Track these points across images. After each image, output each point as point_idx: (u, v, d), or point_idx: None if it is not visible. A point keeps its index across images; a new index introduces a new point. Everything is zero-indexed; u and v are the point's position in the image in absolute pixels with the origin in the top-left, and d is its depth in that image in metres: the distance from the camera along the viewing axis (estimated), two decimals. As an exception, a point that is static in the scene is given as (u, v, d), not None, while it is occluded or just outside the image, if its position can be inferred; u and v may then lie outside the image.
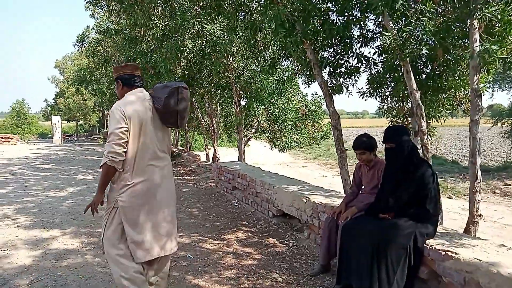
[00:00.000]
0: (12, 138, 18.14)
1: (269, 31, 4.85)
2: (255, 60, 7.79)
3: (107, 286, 3.06)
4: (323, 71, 4.98)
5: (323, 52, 5.30)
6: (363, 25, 4.96)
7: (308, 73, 5.26)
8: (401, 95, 4.88)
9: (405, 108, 5.20)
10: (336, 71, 5.20)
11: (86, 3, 9.28)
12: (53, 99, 36.76)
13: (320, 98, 11.79)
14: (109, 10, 10.73)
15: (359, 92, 4.91)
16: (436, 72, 4.65)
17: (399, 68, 4.67)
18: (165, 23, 7.64)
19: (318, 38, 4.94)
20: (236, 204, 6.02)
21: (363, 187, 3.50)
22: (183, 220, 5.08)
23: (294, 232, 4.50)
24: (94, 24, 12.56)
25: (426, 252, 2.61)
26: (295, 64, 5.44)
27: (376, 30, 5.00)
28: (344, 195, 4.00)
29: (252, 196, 5.56)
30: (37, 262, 3.49)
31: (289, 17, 4.21)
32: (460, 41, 4.31)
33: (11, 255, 3.65)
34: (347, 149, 5.16)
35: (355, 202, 3.33)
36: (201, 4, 7.60)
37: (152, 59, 8.10)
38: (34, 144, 17.86)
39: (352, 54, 5.05)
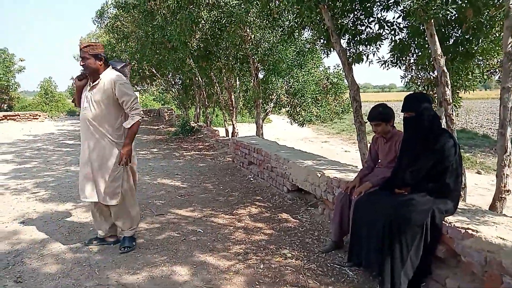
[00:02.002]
0: (40, 115, 18.72)
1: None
2: (272, 30, 7.46)
3: (115, 259, 3.05)
4: (341, 39, 4.67)
5: (342, 20, 4.97)
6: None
7: (326, 42, 4.95)
8: (426, 63, 4.52)
9: (431, 77, 4.85)
10: (356, 39, 4.88)
11: (101, -24, 9.08)
12: (79, 77, 37.30)
13: (343, 71, 11.31)
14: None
15: (380, 61, 4.57)
16: (466, 37, 4.24)
17: (424, 33, 4.30)
18: (180, -6, 7.41)
19: (337, 3, 4.61)
20: (251, 179, 5.93)
21: (379, 161, 3.29)
22: (197, 195, 5.04)
23: (308, 207, 4.37)
24: (112, -1, 12.44)
25: (445, 230, 2.41)
26: (312, 32, 5.13)
27: (400, -9, 4.60)
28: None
29: (267, 171, 5.43)
30: (50, 236, 3.54)
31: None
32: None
33: (25, 229, 3.72)
34: (366, 122, 4.89)
35: (370, 177, 3.14)
36: (216, -28, 7.31)
37: (167, 32, 7.93)
38: (61, 121, 18.32)
39: (373, 19, 4.70)
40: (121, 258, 3.06)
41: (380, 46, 4.90)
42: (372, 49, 4.80)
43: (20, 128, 15.10)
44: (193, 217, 4.11)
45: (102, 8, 13.52)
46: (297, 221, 3.97)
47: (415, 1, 3.11)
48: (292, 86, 10.03)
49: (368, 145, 4.57)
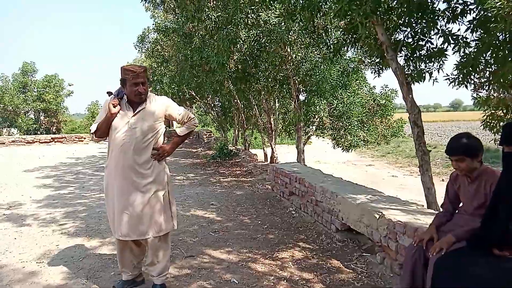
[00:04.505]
0: (85, 138, 19.31)
1: (331, 7, 4.02)
2: (316, 48, 6.95)
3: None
4: (398, 55, 4.05)
5: (397, 34, 4.37)
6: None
7: (379, 59, 4.35)
8: (507, 82, 3.76)
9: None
10: (415, 55, 4.24)
11: (142, 1, 9.16)
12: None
13: (390, 91, 10.54)
14: (165, 8, 10.64)
15: (449, 78, 3.88)
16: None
17: (500, 46, 3.60)
18: (217, 14, 7.15)
19: (391, 16, 4.03)
20: (293, 212, 5.31)
21: (461, 204, 2.58)
22: (233, 231, 4.50)
23: (363, 253, 3.69)
24: (153, 24, 12.67)
25: None
26: (363, 47, 4.55)
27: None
28: (432, 212, 3.10)
29: (312, 204, 4.81)
30: (67, 281, 3.13)
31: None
32: None
33: (43, 271, 3.35)
34: (430, 150, 4.18)
35: (451, 226, 2.45)
36: (255, -10, 6.99)
37: (204, 54, 7.68)
38: (105, 142, 18.73)
39: (436, 32, 4.05)
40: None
41: (443, 62, 4.24)
42: (436, 66, 4.13)
43: (65, 150, 15.55)
44: (228, 261, 3.56)
45: (143, 33, 13.78)
46: (351, 271, 3.31)
47: (505, 3, 2.46)
48: (336, 108, 9.38)
49: (435, 178, 3.87)
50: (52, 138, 19.06)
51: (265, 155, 12.65)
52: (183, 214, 5.31)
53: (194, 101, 17.70)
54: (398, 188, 14.25)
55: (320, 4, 4.12)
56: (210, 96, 15.80)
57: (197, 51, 8.31)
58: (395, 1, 3.72)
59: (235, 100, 12.10)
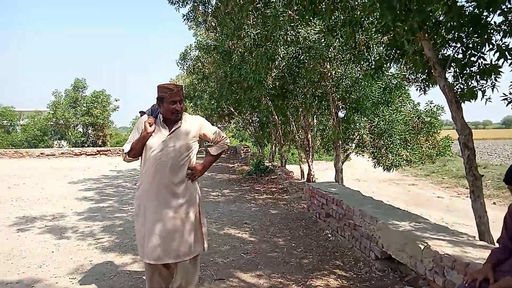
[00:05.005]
0: (128, 151, 20.07)
1: (373, 22, 3.84)
2: (357, 65, 6.74)
3: None
4: (446, 71, 3.77)
5: (445, 50, 4.08)
6: (506, 8, 3.62)
7: (425, 75, 4.08)
8: None
9: None
10: (465, 71, 3.92)
11: (184, 20, 9.43)
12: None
13: (436, 108, 9.98)
14: (206, 27, 10.90)
15: (506, 98, 3.53)
16: None
17: None
18: (256, 32, 7.17)
19: (439, 31, 3.77)
20: (329, 235, 5.06)
21: (522, 241, 2.27)
22: (265, 253, 4.33)
23: (405, 285, 3.38)
24: (195, 42, 13.04)
25: None
26: (408, 63, 4.29)
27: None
28: (484, 245, 2.78)
29: (349, 228, 4.54)
30: (96, 298, 3.12)
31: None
32: None
33: (73, 287, 3.37)
34: (482, 175, 3.80)
35: (510, 266, 2.14)
36: (294, 8, 6.95)
37: (243, 72, 7.70)
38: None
39: (490, 47, 3.73)
40: None
41: (496, 79, 3.88)
42: (489, 83, 3.78)
43: (108, 163, 16.19)
44: (258, 286, 3.40)
45: (185, 50, 14.20)
46: (392, 306, 3.02)
47: None
48: (378, 126, 9.00)
49: (486, 202, 3.49)
50: (97, 151, 20.00)
51: (302, 172, 12.39)
52: (216, 232, 5.22)
53: (232, 116, 17.88)
54: (444, 210, 13.37)
55: (362, 19, 3.95)
56: (248, 111, 15.91)
57: (236, 68, 8.37)
58: (444, 15, 3.47)
59: (273, 116, 12.03)
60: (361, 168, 22.10)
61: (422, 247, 3.05)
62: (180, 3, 8.67)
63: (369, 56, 5.20)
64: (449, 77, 3.90)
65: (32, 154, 19.22)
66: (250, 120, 17.47)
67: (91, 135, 26.73)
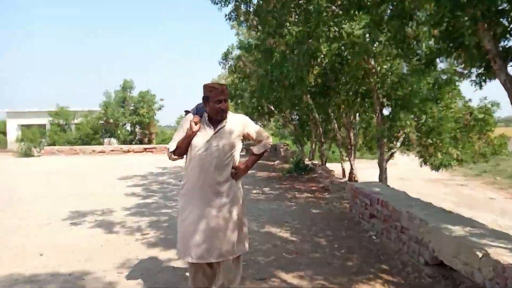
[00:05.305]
0: (171, 148, 20.74)
1: (428, 14, 3.61)
2: (405, 60, 6.42)
3: None
4: (508, 65, 3.48)
5: (506, 41, 3.77)
6: None
7: (482, 69, 3.79)
8: None
9: None
10: (528, 64, 3.61)
11: (226, 19, 9.51)
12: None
13: (491, 104, 9.32)
14: (248, 26, 10.92)
15: None
16: None
17: None
18: (298, 29, 7.06)
19: (502, 20, 3.48)
20: (374, 237, 4.87)
21: None
22: (307, 253, 4.26)
23: (460, 294, 3.17)
24: (237, 41, 13.14)
25: None
26: (462, 57, 4.01)
27: None
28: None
29: (396, 231, 4.34)
30: (142, 291, 3.22)
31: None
32: None
33: (121, 282, 3.52)
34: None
35: None
36: (338, 2, 6.76)
37: (284, 69, 7.63)
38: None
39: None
40: None
41: None
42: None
43: (154, 160, 16.77)
44: (300, 288, 3.34)
45: (227, 50, 14.35)
46: (445, 316, 2.84)
47: None
48: (425, 123, 8.55)
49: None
50: (144, 148, 20.84)
51: (343, 170, 12.11)
52: (258, 230, 5.22)
53: (272, 115, 17.83)
54: (498, 213, 12.51)
55: (413, 12, 3.75)
56: (288, 110, 15.78)
57: (277, 66, 8.31)
58: (508, 3, 3.16)
59: (313, 114, 11.84)
60: (405, 166, 21.19)
61: (480, 255, 2.84)
62: (222, 3, 8.73)
63: (419, 51, 4.93)
64: (511, 71, 3.61)
65: (85, 151, 20.41)
66: (290, 118, 17.32)
67: (138, 133, 27.85)
